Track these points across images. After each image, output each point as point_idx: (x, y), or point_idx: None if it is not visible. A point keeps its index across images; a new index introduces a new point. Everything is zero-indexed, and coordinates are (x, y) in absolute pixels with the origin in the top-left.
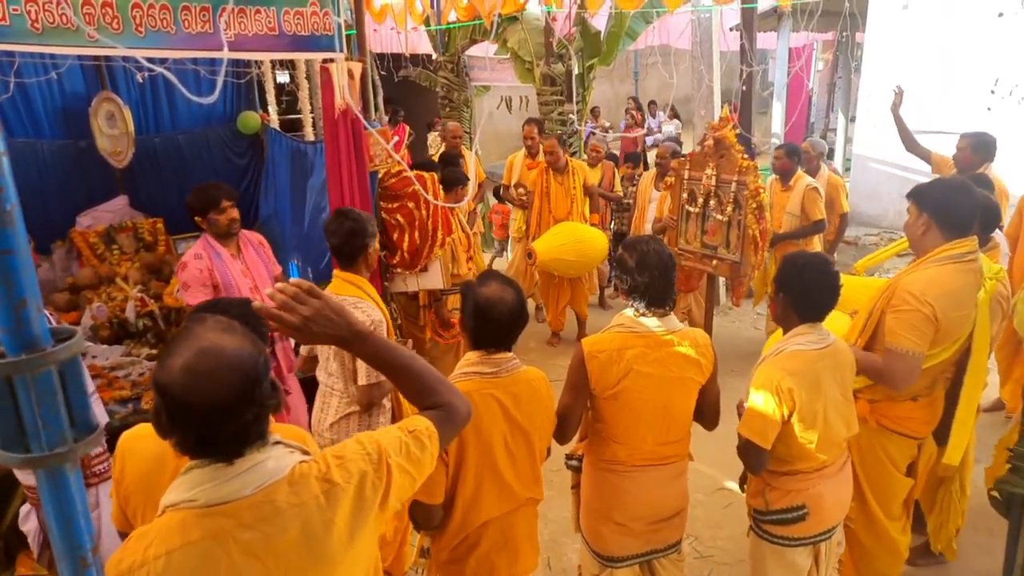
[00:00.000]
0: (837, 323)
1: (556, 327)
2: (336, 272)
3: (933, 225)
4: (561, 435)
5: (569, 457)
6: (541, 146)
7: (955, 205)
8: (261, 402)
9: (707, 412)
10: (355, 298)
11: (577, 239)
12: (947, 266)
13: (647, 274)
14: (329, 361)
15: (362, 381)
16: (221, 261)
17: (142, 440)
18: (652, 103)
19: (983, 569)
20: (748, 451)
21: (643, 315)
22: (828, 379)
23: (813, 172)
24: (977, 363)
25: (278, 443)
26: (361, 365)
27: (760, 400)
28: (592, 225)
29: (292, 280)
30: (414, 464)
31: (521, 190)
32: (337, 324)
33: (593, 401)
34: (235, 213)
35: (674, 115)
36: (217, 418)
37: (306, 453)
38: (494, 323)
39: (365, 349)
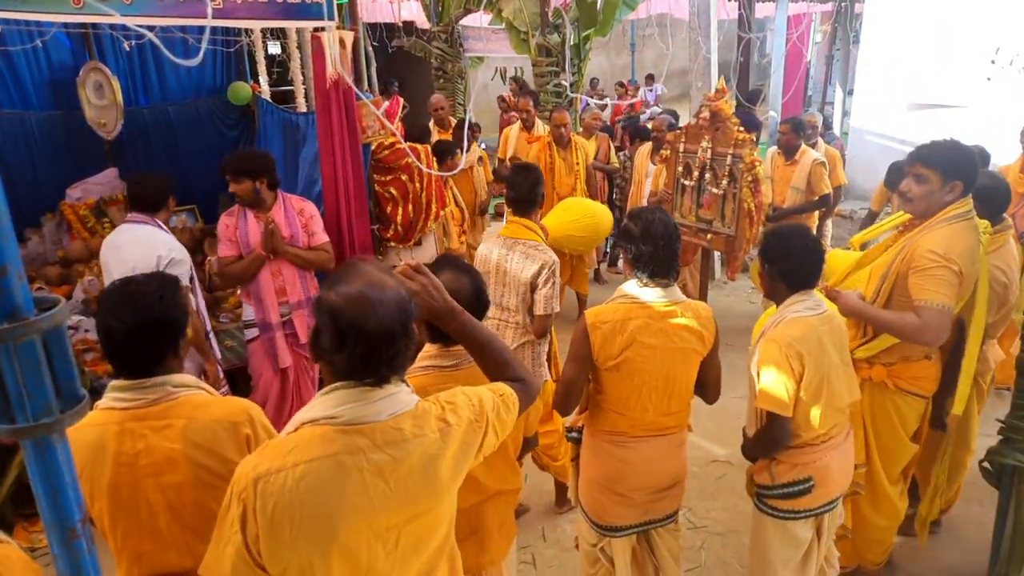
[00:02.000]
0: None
1: None
2: (512, 218)
3: (960, 190)
4: (564, 407)
5: (569, 430)
6: (537, 119)
7: (976, 168)
8: (411, 336)
9: (708, 385)
10: (533, 241)
11: (588, 214)
12: (957, 224)
13: (651, 243)
14: (504, 297)
15: (539, 311)
16: (245, 222)
17: (81, 430)
18: (649, 76)
19: (973, 539)
20: (772, 426)
21: (646, 285)
22: (828, 344)
23: (812, 145)
24: (980, 315)
25: (403, 381)
26: (540, 297)
27: (772, 370)
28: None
29: (405, 262)
30: (501, 423)
31: None
32: (436, 298)
33: (595, 372)
34: (237, 187)
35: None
36: (381, 339)
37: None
38: None
39: (455, 324)
